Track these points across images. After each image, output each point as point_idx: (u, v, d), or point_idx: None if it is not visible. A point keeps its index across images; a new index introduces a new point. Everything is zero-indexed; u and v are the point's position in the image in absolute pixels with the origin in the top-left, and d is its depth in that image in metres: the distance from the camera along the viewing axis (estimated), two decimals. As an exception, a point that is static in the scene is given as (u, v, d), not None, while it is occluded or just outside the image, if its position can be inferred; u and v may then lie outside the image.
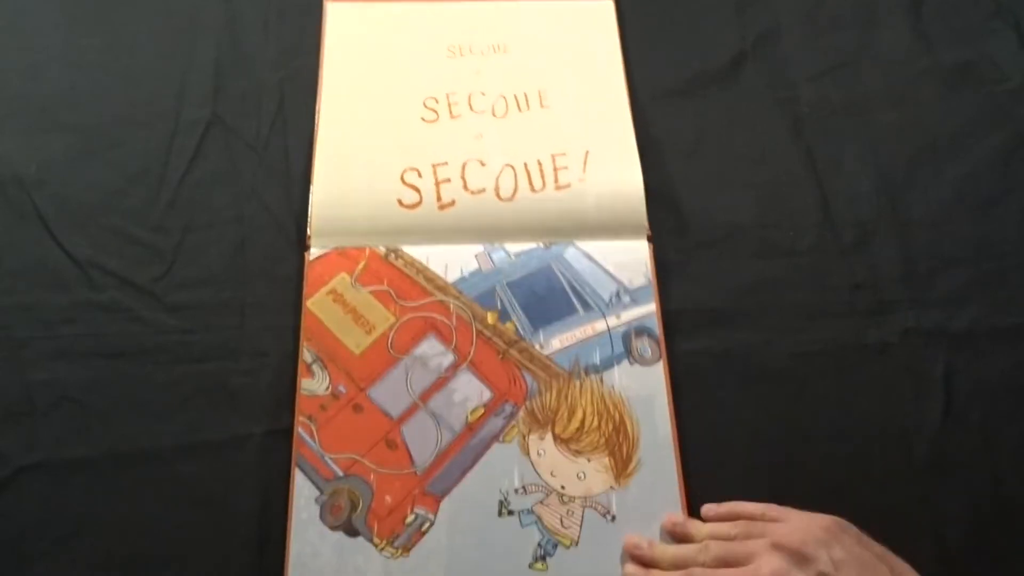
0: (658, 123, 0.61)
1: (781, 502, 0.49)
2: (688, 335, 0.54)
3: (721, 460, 0.51)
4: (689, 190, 0.59)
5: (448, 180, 0.57)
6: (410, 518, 0.48)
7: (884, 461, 0.51)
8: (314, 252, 0.55)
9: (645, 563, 0.47)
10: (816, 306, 0.55)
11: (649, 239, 0.56)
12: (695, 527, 0.48)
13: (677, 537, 0.48)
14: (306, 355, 0.52)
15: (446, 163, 0.57)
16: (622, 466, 0.50)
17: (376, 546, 0.47)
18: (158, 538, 0.48)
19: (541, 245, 0.56)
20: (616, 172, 0.58)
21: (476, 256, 0.55)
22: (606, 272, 0.55)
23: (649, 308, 0.54)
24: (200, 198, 0.57)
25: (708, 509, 0.48)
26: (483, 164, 0.57)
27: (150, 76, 0.61)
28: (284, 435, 0.50)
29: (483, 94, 0.61)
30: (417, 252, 0.55)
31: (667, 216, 0.58)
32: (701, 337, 0.54)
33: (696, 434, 0.51)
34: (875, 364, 0.54)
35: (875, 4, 0.66)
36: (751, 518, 0.46)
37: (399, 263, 0.55)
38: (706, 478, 0.50)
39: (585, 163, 0.58)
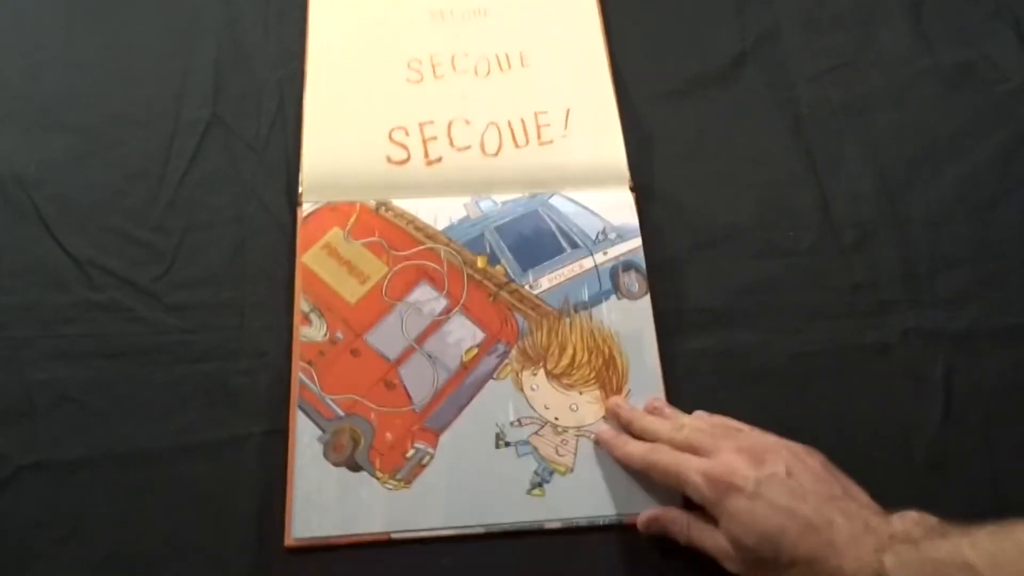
0: (658, 123, 0.61)
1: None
2: (688, 335, 0.54)
3: (721, 460, 0.51)
4: (689, 190, 0.59)
5: (435, 138, 0.59)
6: (410, 452, 0.50)
7: (884, 461, 0.51)
8: (306, 208, 0.56)
9: (621, 422, 0.50)
10: (816, 306, 0.55)
11: (632, 189, 0.58)
12: (674, 412, 0.50)
13: (657, 415, 0.50)
14: (303, 305, 0.53)
15: (432, 122, 0.59)
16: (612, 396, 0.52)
17: (379, 479, 0.49)
18: (158, 538, 0.48)
19: (527, 195, 0.58)
20: (597, 127, 0.60)
21: (464, 205, 0.57)
22: (592, 213, 0.57)
23: (635, 243, 0.56)
24: (200, 198, 0.57)
25: (700, 414, 0.50)
26: (468, 123, 0.59)
27: (150, 76, 0.61)
28: (284, 435, 0.50)
29: (466, 55, 0.62)
30: (407, 205, 0.57)
31: (667, 216, 0.58)
32: (701, 337, 0.54)
33: (696, 434, 0.51)
34: (875, 364, 0.54)
35: (875, 4, 0.67)
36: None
37: (389, 215, 0.56)
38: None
39: (567, 120, 0.60)
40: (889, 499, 0.50)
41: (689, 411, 0.52)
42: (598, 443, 0.50)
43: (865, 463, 0.51)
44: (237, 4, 0.65)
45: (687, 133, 0.61)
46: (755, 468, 0.43)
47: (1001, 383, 0.53)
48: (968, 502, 0.50)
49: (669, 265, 0.56)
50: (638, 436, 0.49)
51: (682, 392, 0.52)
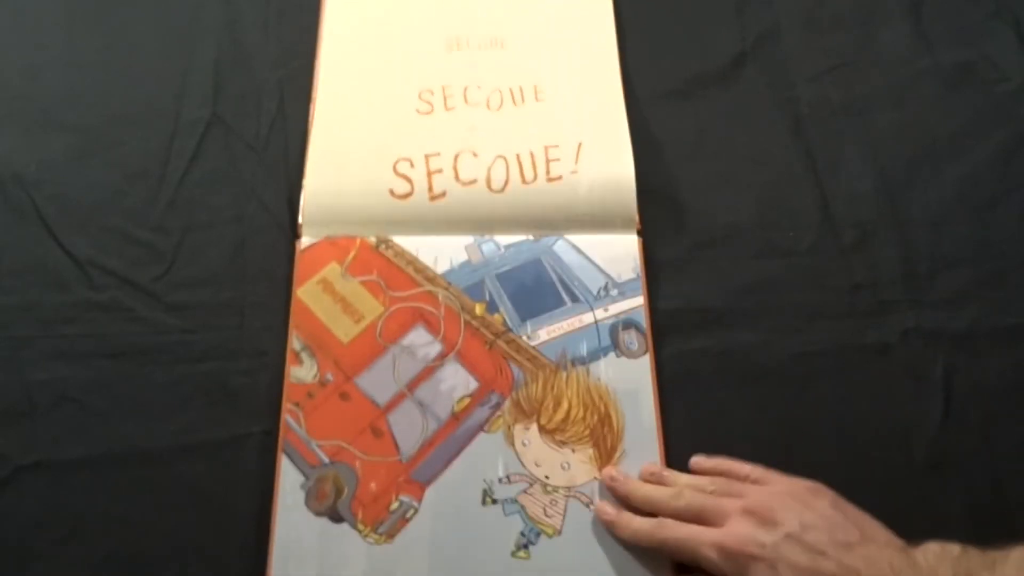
0: (658, 123, 0.61)
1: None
2: (688, 335, 0.54)
3: (721, 460, 0.51)
4: (689, 190, 0.59)
5: (440, 171, 0.57)
6: (394, 505, 0.48)
7: (884, 461, 0.51)
8: (305, 241, 0.55)
9: (618, 495, 0.48)
10: (816, 306, 0.55)
11: (639, 233, 0.56)
12: (672, 476, 0.48)
13: (656, 482, 0.49)
14: (295, 343, 0.52)
15: (439, 154, 0.57)
16: (606, 456, 0.50)
17: (360, 532, 0.47)
18: (158, 538, 0.48)
19: (531, 238, 0.56)
20: (608, 165, 0.58)
21: (466, 248, 0.56)
22: (595, 266, 0.56)
23: (637, 302, 0.54)
24: (200, 198, 0.57)
25: (697, 461, 0.49)
26: (475, 155, 0.57)
27: (150, 76, 0.61)
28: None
29: (479, 87, 0.61)
30: (408, 242, 0.55)
31: (667, 216, 0.58)
32: (701, 337, 0.54)
33: (696, 434, 0.51)
34: (875, 364, 0.54)
35: (875, 4, 0.66)
36: (736, 477, 0.47)
37: (389, 253, 0.55)
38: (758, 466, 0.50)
39: (578, 155, 0.58)
40: (889, 499, 0.50)
41: (689, 411, 0.52)
42: (600, 522, 0.48)
43: (865, 463, 0.51)
44: (237, 4, 0.65)
45: (687, 133, 0.61)
46: (768, 531, 0.42)
47: (1001, 383, 0.53)
48: (968, 502, 0.50)
49: (669, 265, 0.56)
50: (638, 508, 0.48)
51: (682, 392, 0.52)
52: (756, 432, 0.52)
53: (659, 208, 0.58)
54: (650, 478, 0.49)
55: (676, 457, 0.50)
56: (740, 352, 0.54)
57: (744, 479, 0.47)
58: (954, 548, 0.41)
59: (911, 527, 0.49)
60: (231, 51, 0.63)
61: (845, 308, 0.55)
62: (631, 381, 0.52)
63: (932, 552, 0.41)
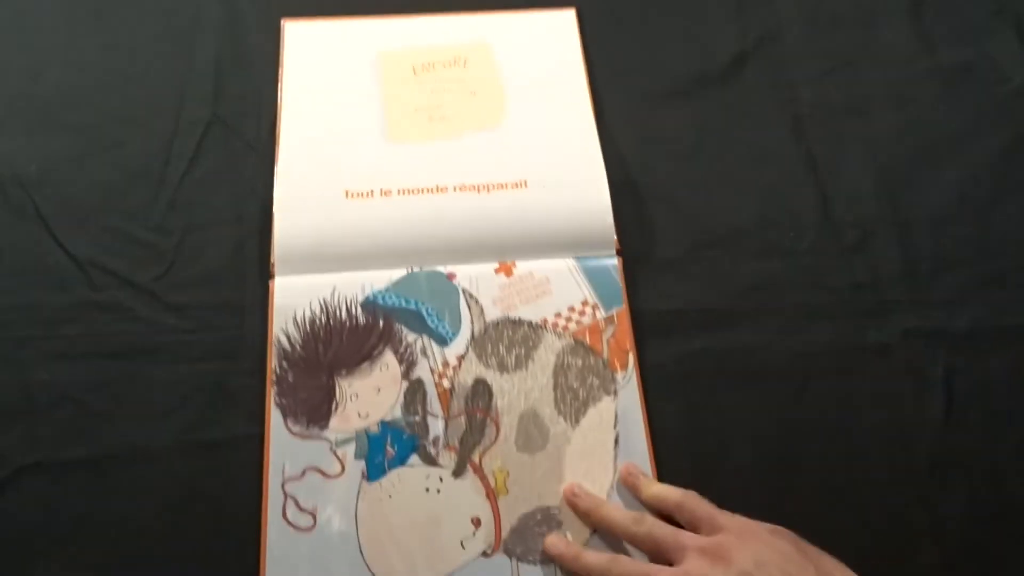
0: (658, 123, 0.61)
1: (781, 502, 0.49)
2: (688, 335, 0.54)
3: (721, 460, 0.51)
4: (689, 190, 0.59)
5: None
6: None
7: (884, 461, 0.51)
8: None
9: (579, 512, 0.48)
10: (816, 306, 0.55)
11: (618, 253, 0.56)
12: (644, 484, 0.48)
13: (626, 487, 0.49)
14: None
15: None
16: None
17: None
18: (158, 538, 0.48)
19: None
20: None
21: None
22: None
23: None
24: (200, 198, 0.57)
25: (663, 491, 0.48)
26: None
27: (150, 76, 0.61)
28: (284, 435, 0.50)
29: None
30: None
31: (667, 216, 0.58)
32: (701, 337, 0.54)
33: (696, 434, 0.51)
34: (875, 364, 0.54)
35: (875, 4, 0.66)
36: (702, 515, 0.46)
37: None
38: (706, 478, 0.50)
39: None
40: (889, 499, 0.50)
41: (689, 411, 0.52)
42: (547, 554, 0.47)
43: (865, 463, 0.51)
44: (237, 4, 0.65)
45: (687, 133, 0.61)
46: (722, 569, 0.41)
47: (1001, 383, 0.53)
48: (968, 502, 0.50)
49: (669, 265, 0.56)
50: (596, 528, 0.48)
51: (682, 392, 0.52)
52: (756, 432, 0.52)
53: (660, 208, 0.58)
54: (627, 478, 0.49)
55: (675, 457, 0.50)
56: (740, 352, 0.54)
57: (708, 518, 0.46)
58: None
59: (911, 527, 0.49)
60: (231, 51, 0.63)
61: (845, 308, 0.55)
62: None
63: None
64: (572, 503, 0.49)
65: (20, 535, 0.48)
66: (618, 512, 0.47)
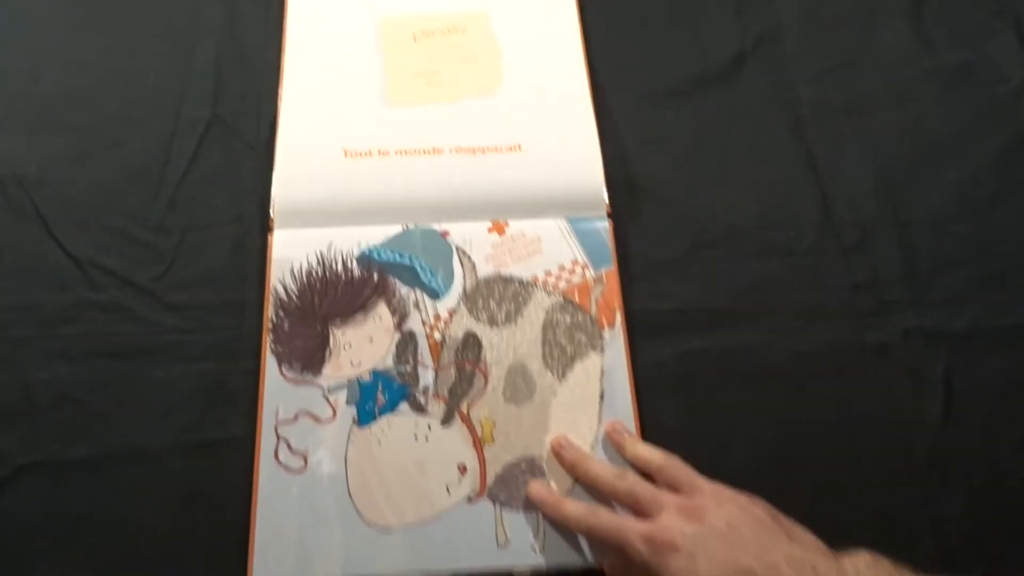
0: (658, 123, 0.61)
1: (780, 501, 0.49)
2: (688, 335, 0.54)
3: (721, 460, 0.51)
4: (689, 190, 0.59)
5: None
6: None
7: (884, 461, 0.51)
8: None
9: (564, 464, 0.49)
10: (816, 306, 0.55)
11: (609, 216, 0.57)
12: (628, 443, 0.49)
13: (611, 443, 0.50)
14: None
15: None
16: None
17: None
18: (157, 538, 0.48)
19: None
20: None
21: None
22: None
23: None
24: (200, 198, 0.57)
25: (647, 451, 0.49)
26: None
27: (150, 76, 0.61)
28: (284, 435, 0.50)
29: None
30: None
31: (668, 216, 0.58)
32: (701, 337, 0.54)
33: (695, 434, 0.51)
34: (875, 364, 0.54)
35: (875, 4, 0.66)
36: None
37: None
38: (705, 477, 0.50)
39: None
40: (889, 499, 0.50)
41: (689, 411, 0.52)
42: (530, 499, 0.48)
43: (865, 463, 0.51)
44: (237, 4, 0.65)
45: (687, 133, 0.61)
46: (694, 525, 0.42)
47: (1001, 383, 0.53)
48: (968, 502, 0.50)
49: (669, 265, 0.56)
50: (579, 481, 0.49)
51: (682, 392, 0.52)
52: (756, 432, 0.52)
53: (660, 208, 0.58)
54: (612, 435, 0.50)
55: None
56: (740, 352, 0.54)
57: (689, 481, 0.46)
58: (885, 562, 0.41)
59: (911, 527, 0.49)
60: (231, 51, 0.63)
61: (845, 308, 0.55)
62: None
63: (863, 561, 0.41)
64: (558, 455, 0.50)
65: (20, 535, 0.48)
66: (602, 467, 0.48)
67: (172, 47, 0.62)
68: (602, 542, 0.46)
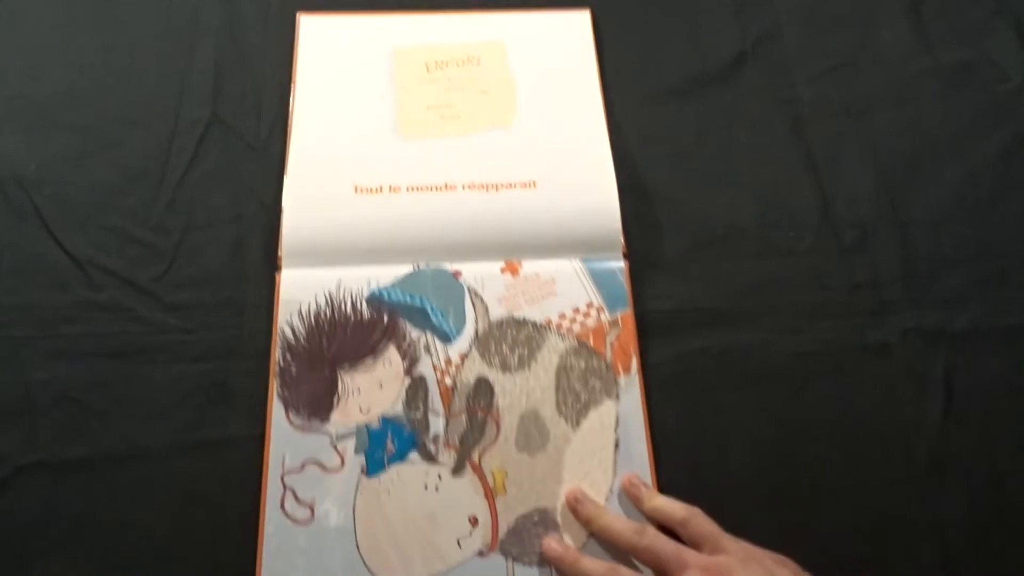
0: (658, 123, 0.61)
1: (780, 501, 0.50)
2: (688, 335, 0.54)
3: (721, 460, 0.51)
4: (689, 190, 0.59)
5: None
6: None
7: (884, 461, 0.51)
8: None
9: (580, 519, 0.48)
10: (816, 306, 0.55)
11: (625, 256, 0.56)
12: (647, 496, 0.48)
13: (628, 497, 0.48)
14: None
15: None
16: None
17: None
18: (157, 538, 0.48)
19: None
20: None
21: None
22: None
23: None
24: (200, 198, 0.57)
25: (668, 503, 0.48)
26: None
27: (150, 76, 0.61)
28: (284, 435, 0.50)
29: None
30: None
31: (667, 216, 0.58)
32: (701, 337, 0.54)
33: (695, 434, 0.51)
34: (875, 364, 0.54)
35: (875, 4, 0.66)
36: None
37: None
38: (706, 477, 0.50)
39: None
40: (889, 499, 0.50)
41: (689, 411, 0.52)
42: (545, 557, 0.47)
43: (865, 463, 0.51)
44: (237, 4, 0.65)
45: (687, 133, 0.61)
46: None
47: (1001, 383, 0.53)
48: (968, 502, 0.50)
49: (669, 265, 0.56)
50: (596, 536, 0.47)
51: (682, 392, 0.52)
52: (756, 432, 0.52)
53: (660, 208, 0.58)
54: (630, 488, 0.48)
55: (675, 456, 0.50)
56: (740, 352, 0.54)
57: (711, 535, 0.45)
58: None
59: (911, 527, 0.49)
60: (231, 51, 0.63)
61: (845, 308, 0.55)
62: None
63: None
64: (573, 509, 0.48)
65: (20, 535, 0.48)
66: (620, 522, 0.47)
67: (172, 47, 0.62)
68: None
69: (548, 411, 0.51)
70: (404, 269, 0.55)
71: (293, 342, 0.52)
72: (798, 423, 0.52)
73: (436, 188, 0.57)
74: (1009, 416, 0.52)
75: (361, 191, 0.56)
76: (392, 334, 0.52)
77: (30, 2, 0.64)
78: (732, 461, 0.51)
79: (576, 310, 0.54)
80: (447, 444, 0.50)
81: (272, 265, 0.54)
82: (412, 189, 0.57)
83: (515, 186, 0.57)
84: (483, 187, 0.57)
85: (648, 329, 0.54)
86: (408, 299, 0.53)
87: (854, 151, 0.61)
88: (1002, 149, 0.61)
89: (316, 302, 0.53)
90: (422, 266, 0.55)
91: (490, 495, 0.49)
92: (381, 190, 0.57)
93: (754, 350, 0.54)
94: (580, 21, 0.64)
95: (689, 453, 0.51)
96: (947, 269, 0.57)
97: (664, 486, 0.49)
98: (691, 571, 0.42)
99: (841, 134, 0.61)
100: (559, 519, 0.49)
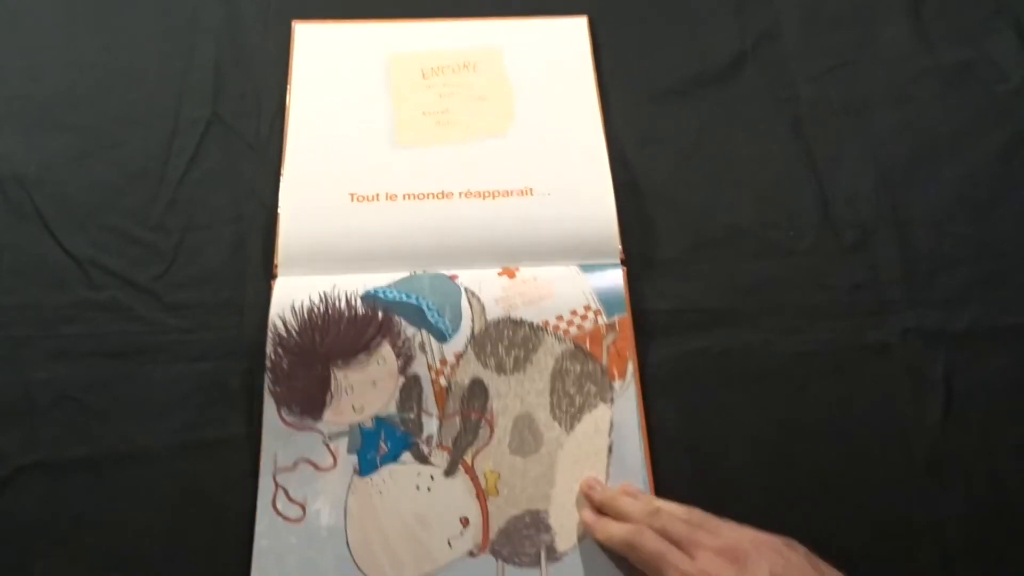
0: (658, 123, 0.61)
1: (780, 501, 0.49)
2: (688, 335, 0.54)
3: (721, 460, 0.51)
4: (689, 190, 0.59)
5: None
6: None
7: (884, 461, 0.51)
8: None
9: (594, 503, 0.48)
10: (816, 306, 0.55)
11: (623, 263, 0.56)
12: (649, 498, 0.48)
13: None
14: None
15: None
16: None
17: None
18: (157, 538, 0.48)
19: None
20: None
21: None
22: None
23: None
24: (200, 198, 0.57)
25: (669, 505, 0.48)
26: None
27: (150, 76, 0.61)
28: (284, 435, 0.50)
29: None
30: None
31: (667, 216, 0.58)
32: (701, 337, 0.54)
33: (695, 434, 0.51)
34: (875, 364, 0.54)
35: (875, 4, 0.66)
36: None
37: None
38: (705, 477, 0.50)
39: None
40: (889, 499, 0.50)
41: (689, 411, 0.52)
42: (581, 523, 0.48)
43: (865, 463, 0.51)
44: (237, 4, 0.65)
45: (687, 133, 0.61)
46: (737, 571, 0.41)
47: (1001, 383, 0.53)
48: (968, 502, 0.50)
49: (669, 265, 0.56)
50: (614, 517, 0.47)
51: (683, 392, 0.52)
52: (756, 432, 0.52)
53: (659, 208, 0.58)
54: (627, 495, 0.48)
55: (674, 456, 0.50)
56: (740, 352, 0.54)
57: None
58: None
59: (911, 527, 0.49)
60: (231, 51, 0.63)
61: (845, 308, 0.55)
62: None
63: None
64: (588, 495, 0.49)
65: (20, 535, 0.48)
66: (634, 504, 0.47)
67: (172, 47, 0.62)
68: (640, 564, 0.44)
69: (542, 414, 0.51)
70: (401, 275, 0.54)
71: (285, 336, 0.52)
72: (798, 423, 0.52)
73: (433, 196, 0.57)
74: (1009, 416, 0.52)
75: (357, 199, 0.56)
76: (387, 331, 0.52)
77: (30, 2, 0.64)
78: (732, 461, 0.51)
79: (574, 312, 0.54)
80: (440, 445, 0.50)
81: (271, 266, 0.54)
82: (409, 197, 0.56)
83: (512, 193, 0.57)
84: (480, 195, 0.57)
85: (648, 329, 0.54)
86: (404, 297, 0.53)
87: (854, 151, 0.61)
88: (1001, 149, 0.61)
89: (310, 298, 0.53)
90: (419, 272, 0.55)
91: (482, 496, 0.49)
92: (377, 198, 0.56)
93: (754, 350, 0.54)
94: (576, 28, 0.64)
95: (689, 453, 0.51)
96: (947, 269, 0.57)
97: (664, 486, 0.50)
98: (705, 552, 0.42)
99: (841, 134, 0.61)
100: (551, 521, 0.49)
